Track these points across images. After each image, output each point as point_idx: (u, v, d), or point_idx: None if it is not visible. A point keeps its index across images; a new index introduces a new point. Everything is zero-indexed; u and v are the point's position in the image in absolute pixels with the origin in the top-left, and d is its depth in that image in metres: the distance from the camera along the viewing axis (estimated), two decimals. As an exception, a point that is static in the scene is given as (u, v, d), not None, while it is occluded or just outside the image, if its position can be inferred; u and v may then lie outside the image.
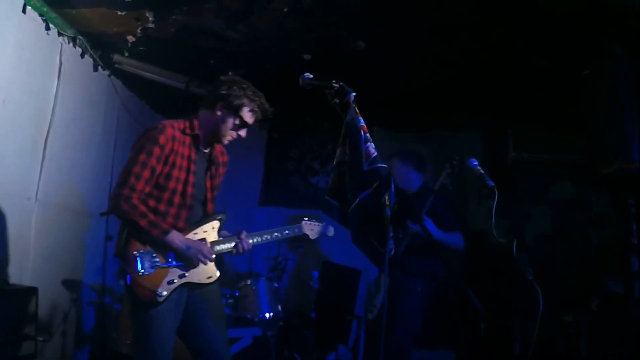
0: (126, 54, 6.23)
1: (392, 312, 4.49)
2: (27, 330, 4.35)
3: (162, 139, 3.45)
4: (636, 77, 4.94)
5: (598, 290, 5.91)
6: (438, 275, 5.02)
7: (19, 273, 4.79)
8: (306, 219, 4.12)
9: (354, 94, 3.07)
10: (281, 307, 5.99)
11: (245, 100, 3.59)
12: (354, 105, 3.06)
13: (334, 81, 3.10)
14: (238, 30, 5.55)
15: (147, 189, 3.45)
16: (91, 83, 6.09)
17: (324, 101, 3.19)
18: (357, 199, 3.04)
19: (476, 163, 4.04)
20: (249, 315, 5.67)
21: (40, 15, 5.03)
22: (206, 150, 3.74)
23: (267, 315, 5.84)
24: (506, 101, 7.06)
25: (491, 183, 3.84)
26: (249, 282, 5.97)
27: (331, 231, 4.15)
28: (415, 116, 7.89)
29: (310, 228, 4.10)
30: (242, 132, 3.68)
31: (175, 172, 3.51)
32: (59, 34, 5.37)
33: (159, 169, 3.46)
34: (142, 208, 3.38)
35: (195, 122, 3.65)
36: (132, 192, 3.37)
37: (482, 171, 3.97)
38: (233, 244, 3.69)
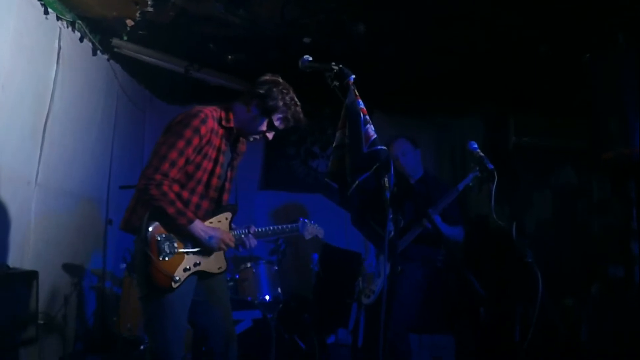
0: (125, 38, 6.20)
1: (391, 296, 4.50)
2: (28, 314, 4.36)
3: (203, 130, 3.42)
4: (638, 64, 4.93)
5: (599, 275, 5.92)
6: (437, 260, 5.02)
7: (20, 257, 4.80)
8: (303, 218, 4.27)
9: (354, 76, 3.07)
10: (281, 290, 6.01)
11: (280, 105, 3.58)
12: (353, 87, 3.07)
13: (333, 63, 3.10)
14: (238, 14, 5.52)
15: (177, 176, 3.42)
16: (90, 67, 6.08)
17: (325, 86, 3.18)
18: (357, 182, 3.04)
19: (476, 146, 4.04)
20: (249, 298, 5.69)
21: (39, -1, 5.02)
22: (233, 144, 3.77)
23: (267, 297, 5.85)
24: (508, 87, 7.04)
25: (491, 166, 3.85)
26: (249, 265, 5.99)
27: (321, 233, 4.40)
28: (416, 101, 7.86)
29: (307, 229, 4.27)
30: (270, 135, 3.69)
31: (205, 163, 3.51)
32: (58, 19, 5.34)
33: (192, 157, 3.44)
34: (172, 195, 3.35)
35: (231, 114, 3.64)
36: (165, 178, 3.32)
37: (481, 154, 3.97)
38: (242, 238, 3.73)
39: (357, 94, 3.07)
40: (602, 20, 5.14)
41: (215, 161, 3.57)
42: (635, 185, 5.19)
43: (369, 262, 5.16)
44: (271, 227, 4.00)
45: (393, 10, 5.26)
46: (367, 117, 3.05)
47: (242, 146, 3.88)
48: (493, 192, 3.68)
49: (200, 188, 3.54)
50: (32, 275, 4.47)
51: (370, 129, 3.02)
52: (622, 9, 4.91)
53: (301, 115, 3.69)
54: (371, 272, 5.10)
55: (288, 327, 6.17)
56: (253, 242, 3.75)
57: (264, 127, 3.62)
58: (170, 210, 3.32)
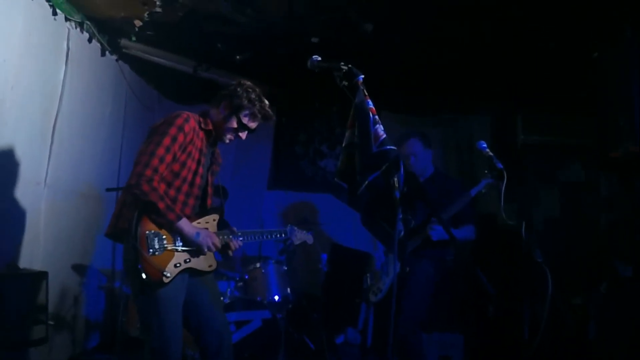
0: (133, 39, 6.22)
1: (400, 294, 4.50)
2: (37, 315, 4.38)
3: (186, 128, 3.55)
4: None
5: (607, 273, 5.91)
6: (447, 259, 5.01)
7: (30, 258, 4.82)
8: (291, 225, 4.45)
9: (363, 76, 3.07)
10: (290, 290, 6.01)
11: (245, 102, 3.70)
12: (362, 87, 3.06)
13: (342, 63, 3.10)
14: (246, 13, 5.53)
15: (165, 173, 3.53)
16: (99, 68, 6.09)
17: (333, 85, 3.18)
18: (366, 181, 3.04)
19: (485, 145, 4.04)
20: (258, 298, 5.69)
21: (47, 0, 5.02)
22: (212, 147, 3.89)
23: (277, 298, 5.86)
24: (516, 84, 7.03)
25: (500, 165, 3.84)
26: (258, 265, 6.00)
27: (310, 239, 4.69)
28: (424, 99, 7.88)
29: (295, 234, 4.48)
30: (242, 134, 3.80)
31: (189, 162, 3.62)
32: (66, 19, 5.34)
33: (178, 155, 3.55)
34: (161, 191, 3.46)
35: (208, 119, 3.78)
36: (155, 174, 3.43)
37: (490, 153, 3.97)
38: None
39: (366, 93, 3.07)
40: (610, 15, 5.11)
41: (198, 162, 3.69)
42: (642, 182, 5.17)
43: (378, 255, 5.17)
44: (259, 231, 4.20)
45: (401, 5, 5.23)
46: (377, 117, 3.05)
47: (219, 157, 4.03)
48: (502, 192, 3.68)
49: (185, 187, 3.64)
50: (41, 276, 4.49)
51: (380, 128, 3.02)
52: (629, 2, 4.88)
53: (269, 111, 3.80)
54: (380, 265, 5.10)
55: (297, 327, 6.18)
56: (237, 244, 3.83)
57: (234, 125, 3.72)
58: (161, 205, 3.42)
